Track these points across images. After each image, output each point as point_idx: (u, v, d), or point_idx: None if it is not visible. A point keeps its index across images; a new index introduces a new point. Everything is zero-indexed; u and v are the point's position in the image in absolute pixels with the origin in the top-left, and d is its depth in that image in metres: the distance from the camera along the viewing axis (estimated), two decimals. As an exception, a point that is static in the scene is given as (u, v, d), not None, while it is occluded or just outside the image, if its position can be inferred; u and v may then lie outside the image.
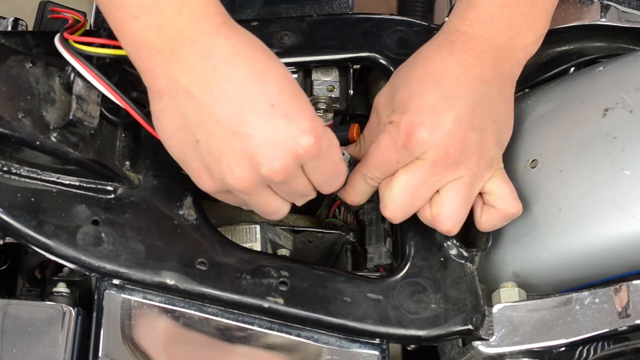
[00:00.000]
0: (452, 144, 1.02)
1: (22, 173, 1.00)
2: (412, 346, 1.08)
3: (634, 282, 1.04)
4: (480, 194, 1.07)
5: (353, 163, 1.09)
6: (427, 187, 1.04)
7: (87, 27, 1.06)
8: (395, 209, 1.05)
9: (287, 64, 1.13)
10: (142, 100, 1.05)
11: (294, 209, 1.23)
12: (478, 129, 1.04)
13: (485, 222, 1.08)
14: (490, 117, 1.05)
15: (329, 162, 0.99)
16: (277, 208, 1.02)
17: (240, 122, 0.94)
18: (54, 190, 1.02)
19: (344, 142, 1.12)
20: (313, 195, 1.03)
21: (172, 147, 0.99)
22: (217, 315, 1.03)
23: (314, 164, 0.98)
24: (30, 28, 1.19)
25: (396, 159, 1.04)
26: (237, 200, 1.02)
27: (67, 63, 1.00)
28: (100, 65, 1.03)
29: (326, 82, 1.16)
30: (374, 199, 1.11)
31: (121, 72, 1.05)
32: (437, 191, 1.05)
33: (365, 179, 1.07)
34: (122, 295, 1.01)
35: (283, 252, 1.11)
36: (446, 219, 1.05)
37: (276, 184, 0.98)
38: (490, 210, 1.07)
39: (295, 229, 1.16)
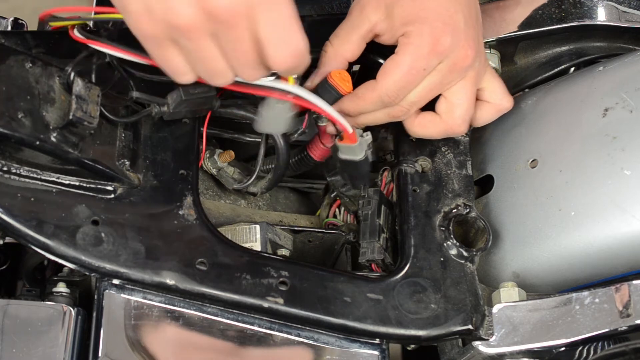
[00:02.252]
0: (468, 44, 1.05)
1: (22, 173, 1.00)
2: (412, 346, 1.08)
3: (634, 282, 1.04)
4: None
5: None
6: (442, 87, 1.07)
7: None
8: (410, 110, 1.08)
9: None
10: (142, 101, 1.06)
11: (294, 209, 1.24)
12: (476, 28, 1.08)
13: (480, 117, 1.12)
14: (477, 16, 1.09)
15: (280, 14, 0.92)
16: (221, 69, 0.95)
17: None
18: (54, 190, 1.02)
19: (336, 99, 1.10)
20: (262, 70, 0.96)
21: None
22: (217, 315, 1.03)
23: (263, 14, 0.91)
24: (30, 28, 1.19)
25: (424, 65, 1.04)
26: (175, 56, 0.95)
27: (67, 63, 1.00)
28: (101, 64, 1.03)
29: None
30: (368, 193, 1.11)
31: (122, 72, 1.05)
32: (442, 95, 1.08)
33: (381, 97, 1.06)
34: (122, 295, 1.01)
35: (283, 252, 1.11)
36: (461, 120, 1.09)
37: (223, 32, 0.91)
38: (484, 105, 1.12)
39: (295, 229, 1.16)
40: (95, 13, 1.13)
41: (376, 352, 1.04)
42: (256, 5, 0.90)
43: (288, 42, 0.93)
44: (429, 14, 1.04)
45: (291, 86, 1.02)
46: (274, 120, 1.06)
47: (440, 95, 1.09)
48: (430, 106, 1.10)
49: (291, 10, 0.93)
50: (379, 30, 1.07)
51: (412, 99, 1.07)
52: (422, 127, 1.11)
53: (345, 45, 1.08)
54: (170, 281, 1.01)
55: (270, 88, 1.01)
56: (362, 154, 1.10)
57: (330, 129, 1.11)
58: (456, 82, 1.07)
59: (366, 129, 1.12)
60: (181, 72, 0.97)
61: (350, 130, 1.07)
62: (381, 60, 1.10)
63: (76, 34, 1.03)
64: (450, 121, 1.09)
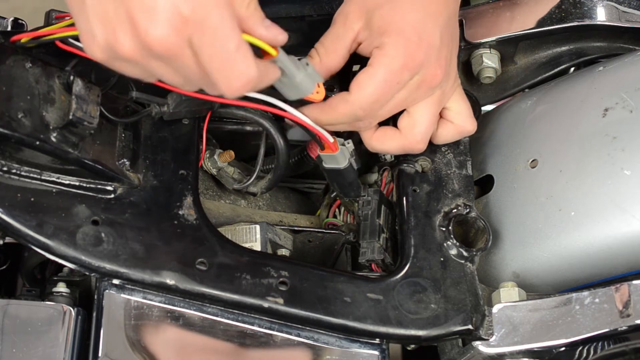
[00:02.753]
0: (439, 63, 1.05)
1: (22, 173, 1.00)
2: (412, 346, 1.08)
3: (634, 281, 1.04)
4: None
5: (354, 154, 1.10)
6: (407, 104, 1.07)
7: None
8: (372, 123, 1.07)
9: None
10: (142, 101, 1.06)
11: (294, 209, 1.24)
12: (450, 47, 1.07)
13: (441, 135, 1.12)
14: (454, 35, 1.09)
15: (217, 43, 0.88)
16: (180, 84, 0.94)
17: None
18: (54, 190, 1.02)
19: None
20: (210, 89, 0.93)
21: (70, 7, 0.92)
22: (217, 315, 1.03)
23: (200, 42, 0.88)
24: (30, 28, 1.19)
25: (397, 79, 1.03)
26: (134, 70, 0.93)
27: (67, 63, 1.00)
28: (101, 64, 1.03)
29: (326, 82, 1.16)
30: (368, 193, 1.11)
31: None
32: (406, 111, 1.08)
33: (355, 112, 1.05)
34: (122, 295, 1.01)
35: (283, 252, 1.11)
36: (421, 137, 1.08)
37: (163, 59, 0.90)
38: (447, 124, 1.11)
39: (295, 229, 1.16)
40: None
41: (376, 352, 1.04)
42: (194, 38, 0.88)
43: (231, 72, 0.90)
44: (406, 27, 1.03)
45: (269, 98, 1.02)
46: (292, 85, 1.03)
47: (403, 110, 1.08)
48: (387, 120, 1.09)
49: (232, 37, 0.89)
50: (360, 39, 1.06)
51: (379, 112, 1.06)
52: (380, 141, 1.10)
53: (331, 56, 1.07)
54: (170, 281, 1.01)
55: (248, 99, 1.02)
56: (345, 162, 1.10)
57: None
58: (422, 99, 1.06)
59: (347, 136, 1.12)
60: (149, 80, 0.96)
61: (330, 139, 1.07)
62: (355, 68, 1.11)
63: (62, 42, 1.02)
64: (410, 137, 1.08)
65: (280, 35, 0.94)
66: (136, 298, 1.02)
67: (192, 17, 0.86)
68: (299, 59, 1.01)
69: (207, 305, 1.02)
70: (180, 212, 1.05)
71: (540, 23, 1.21)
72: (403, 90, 1.05)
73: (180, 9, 0.86)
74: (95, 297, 1.02)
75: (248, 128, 1.18)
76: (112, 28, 0.88)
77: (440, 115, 1.11)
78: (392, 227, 1.13)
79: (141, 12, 0.86)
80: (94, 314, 1.01)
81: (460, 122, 1.11)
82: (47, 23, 1.14)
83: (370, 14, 1.05)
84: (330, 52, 1.07)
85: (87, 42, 0.91)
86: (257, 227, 1.10)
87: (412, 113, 1.07)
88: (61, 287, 1.07)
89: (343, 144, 1.09)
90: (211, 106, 1.07)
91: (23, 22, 1.18)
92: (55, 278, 1.10)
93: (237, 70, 0.90)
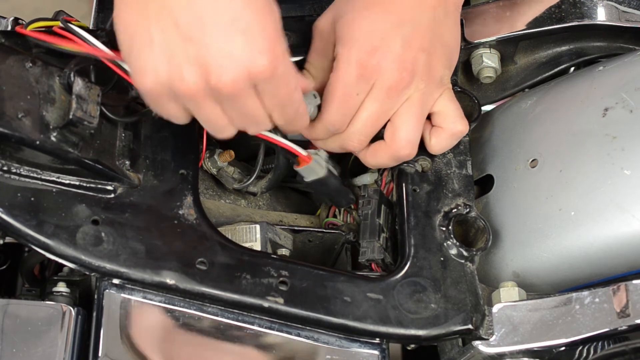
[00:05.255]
0: (403, 66, 1.04)
1: (22, 173, 1.00)
2: (412, 346, 1.08)
3: (634, 281, 1.04)
4: (428, 117, 1.10)
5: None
6: (385, 114, 1.07)
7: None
8: (361, 141, 1.08)
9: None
10: (141, 100, 1.06)
11: (294, 209, 1.24)
12: (427, 51, 1.06)
13: (435, 144, 1.11)
14: (438, 40, 1.08)
15: (283, 88, 0.97)
16: (221, 126, 1.00)
17: (199, 28, 0.92)
18: (54, 189, 1.02)
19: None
20: (266, 125, 1.01)
21: (124, 38, 0.96)
22: (217, 315, 1.03)
23: (267, 87, 0.96)
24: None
25: (355, 90, 1.04)
26: (174, 109, 0.99)
27: (67, 63, 1.00)
28: (101, 64, 1.03)
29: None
30: (368, 193, 1.11)
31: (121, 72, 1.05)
32: (389, 121, 1.08)
33: (326, 127, 1.07)
34: (122, 294, 1.01)
35: (283, 252, 1.11)
36: (405, 142, 1.08)
37: (225, 100, 0.96)
38: (438, 131, 1.11)
39: (295, 228, 1.16)
40: (96, 13, 1.14)
41: (376, 352, 1.04)
42: (260, 82, 0.95)
43: (290, 111, 1.00)
44: (360, 36, 1.04)
45: None
46: None
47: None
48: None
49: (293, 81, 0.98)
50: (335, 51, 1.07)
51: (358, 129, 1.07)
52: (373, 156, 1.10)
53: (321, 74, 1.09)
54: (170, 281, 1.01)
55: None
56: (323, 170, 1.10)
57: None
58: (400, 106, 1.07)
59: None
60: (181, 121, 1.01)
61: (302, 152, 1.08)
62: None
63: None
64: (394, 145, 1.08)
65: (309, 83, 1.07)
66: (136, 298, 1.02)
67: (266, 68, 0.94)
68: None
69: (207, 305, 1.02)
70: (180, 212, 1.05)
71: (540, 23, 1.21)
72: (372, 101, 1.05)
73: (257, 61, 0.93)
74: (95, 297, 1.02)
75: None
76: (178, 65, 0.93)
77: (431, 124, 1.11)
78: (392, 227, 1.13)
79: (217, 57, 0.92)
80: (94, 314, 1.01)
81: (450, 125, 1.10)
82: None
83: (335, 22, 1.07)
84: (320, 70, 1.09)
85: (145, 75, 0.95)
86: (257, 226, 1.10)
87: (393, 120, 1.08)
88: (61, 287, 1.07)
89: (316, 153, 1.10)
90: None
91: (23, 22, 1.18)
92: (55, 278, 1.10)
93: (296, 103, 1.00)
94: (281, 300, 1.02)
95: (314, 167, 1.10)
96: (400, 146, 1.08)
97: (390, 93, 1.05)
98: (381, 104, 1.06)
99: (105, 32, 1.04)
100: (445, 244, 1.09)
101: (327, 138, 1.10)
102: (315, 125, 1.08)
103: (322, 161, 1.10)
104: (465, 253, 1.08)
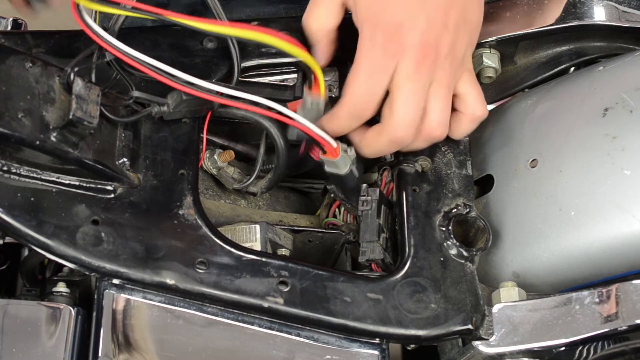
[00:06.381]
0: (428, 43, 1.04)
1: (22, 173, 1.00)
2: (412, 346, 1.08)
3: (634, 281, 1.04)
4: None
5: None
6: (421, 93, 1.05)
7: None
8: (408, 127, 1.05)
9: (287, 64, 1.14)
10: (142, 100, 1.06)
11: (294, 209, 1.24)
12: (450, 29, 1.05)
13: (456, 129, 1.11)
14: (462, 17, 1.07)
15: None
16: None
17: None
18: (54, 190, 1.02)
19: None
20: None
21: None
22: (217, 315, 1.03)
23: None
24: (30, 28, 1.19)
25: (380, 65, 1.03)
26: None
27: (67, 63, 1.00)
28: (101, 64, 1.03)
29: (326, 82, 1.16)
30: (368, 193, 1.11)
31: (121, 72, 1.05)
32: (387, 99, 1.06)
33: (351, 107, 1.06)
34: (122, 295, 1.01)
35: (283, 252, 1.11)
36: (437, 124, 1.07)
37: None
38: (458, 116, 1.10)
39: (295, 229, 1.16)
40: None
41: (376, 352, 1.04)
42: None
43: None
44: (385, 15, 1.04)
45: (272, 103, 1.05)
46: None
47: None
48: None
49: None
50: (348, 6, 1.06)
51: (402, 112, 1.05)
52: (368, 143, 1.09)
53: (323, 17, 1.08)
54: (170, 281, 1.01)
55: (254, 104, 1.05)
56: (345, 169, 1.10)
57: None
58: (429, 87, 1.05)
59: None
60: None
61: (333, 144, 1.07)
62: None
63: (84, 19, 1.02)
64: (426, 127, 1.07)
65: None
66: (136, 298, 1.02)
67: None
68: None
69: (207, 305, 1.02)
70: (180, 212, 1.05)
71: (540, 23, 1.21)
72: (403, 79, 1.04)
73: None
74: (95, 297, 1.02)
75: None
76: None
77: (453, 108, 1.10)
78: (392, 227, 1.13)
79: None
80: (94, 314, 1.01)
81: (471, 109, 1.10)
82: None
83: (355, 7, 1.06)
84: (323, 15, 1.08)
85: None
86: (257, 226, 1.10)
87: (391, 96, 1.06)
88: (61, 287, 1.07)
89: (345, 151, 1.09)
90: (211, 106, 1.08)
91: (23, 22, 1.18)
92: (55, 278, 1.10)
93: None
94: (281, 301, 1.02)
95: (337, 163, 1.10)
96: (432, 128, 1.07)
97: (418, 70, 1.04)
98: (413, 82, 1.04)
99: (107, 31, 1.04)
100: (445, 244, 1.09)
101: (353, 127, 1.07)
102: (337, 112, 1.06)
103: (348, 161, 1.10)
104: (465, 253, 1.08)
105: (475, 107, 1.10)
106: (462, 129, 1.11)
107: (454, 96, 1.09)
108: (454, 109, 1.10)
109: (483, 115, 1.11)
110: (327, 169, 1.10)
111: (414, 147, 1.10)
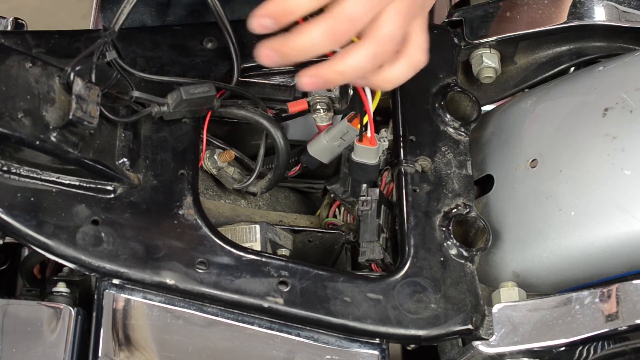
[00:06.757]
0: None
1: (22, 173, 1.00)
2: (412, 346, 1.08)
3: (634, 281, 1.04)
4: None
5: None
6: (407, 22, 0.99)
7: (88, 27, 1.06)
8: (391, 41, 0.98)
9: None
10: (142, 100, 1.06)
11: (294, 209, 1.24)
12: None
13: (390, 73, 1.00)
14: None
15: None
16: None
17: None
18: (54, 190, 1.02)
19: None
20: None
21: None
22: (216, 315, 1.03)
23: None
24: (30, 28, 1.19)
25: None
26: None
27: (67, 63, 1.00)
28: (101, 64, 1.03)
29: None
30: (368, 193, 1.11)
31: (121, 72, 1.05)
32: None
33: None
34: (122, 295, 1.02)
35: (283, 252, 1.12)
36: (388, 39, 0.97)
37: None
38: (397, 57, 1.00)
39: (295, 229, 1.16)
40: (96, 13, 1.13)
41: (376, 352, 1.04)
42: None
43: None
44: None
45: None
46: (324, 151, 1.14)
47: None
48: None
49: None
50: None
51: (386, 31, 0.96)
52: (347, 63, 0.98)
53: None
54: (170, 281, 1.01)
55: None
56: (376, 159, 1.10)
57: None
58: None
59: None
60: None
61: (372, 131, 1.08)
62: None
63: None
64: (375, 37, 0.97)
65: None
66: (136, 298, 1.02)
67: None
68: None
69: (207, 305, 1.02)
70: (180, 212, 1.05)
71: (540, 23, 1.21)
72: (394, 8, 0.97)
73: None
74: (95, 297, 1.02)
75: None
76: None
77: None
78: (392, 227, 1.13)
79: None
80: (94, 314, 1.01)
81: (412, 52, 1.00)
82: None
83: None
84: None
85: None
86: (257, 227, 1.10)
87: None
88: (61, 287, 1.07)
89: (380, 140, 1.11)
90: (211, 106, 1.08)
91: (23, 22, 1.18)
92: (55, 278, 1.10)
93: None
94: (281, 301, 1.02)
95: (371, 152, 1.10)
96: (381, 36, 0.97)
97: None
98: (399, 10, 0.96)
99: (107, 31, 1.04)
100: (445, 244, 1.09)
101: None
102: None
103: (380, 151, 1.11)
104: (465, 253, 1.08)
105: (417, 51, 1.00)
106: (399, 73, 1.00)
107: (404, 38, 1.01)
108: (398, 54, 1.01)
109: (423, 62, 1.01)
110: (356, 157, 1.11)
111: (397, 71, 1.01)
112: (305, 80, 0.98)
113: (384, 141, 1.11)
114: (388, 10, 0.97)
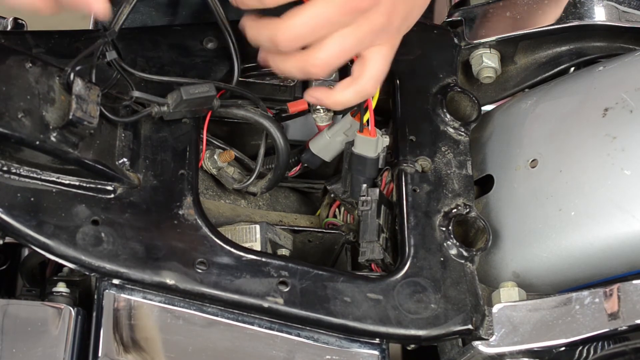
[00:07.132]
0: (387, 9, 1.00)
1: (22, 173, 1.00)
2: (412, 346, 1.08)
3: (634, 281, 1.04)
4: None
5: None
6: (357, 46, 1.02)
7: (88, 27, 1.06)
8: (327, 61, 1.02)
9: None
10: (142, 100, 1.06)
11: (294, 209, 1.24)
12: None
13: (338, 94, 1.05)
14: None
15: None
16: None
17: None
18: (54, 190, 1.02)
19: None
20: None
21: None
22: (216, 315, 1.03)
23: None
24: (30, 28, 1.19)
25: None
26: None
27: (67, 63, 1.00)
28: (101, 64, 1.03)
29: (326, 82, 1.16)
30: (368, 193, 1.11)
31: (121, 72, 1.05)
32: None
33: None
34: (122, 295, 1.01)
35: (283, 252, 1.12)
36: (373, 80, 1.04)
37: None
38: (348, 81, 1.05)
39: (295, 229, 1.16)
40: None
41: (376, 352, 1.04)
42: None
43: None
44: None
45: None
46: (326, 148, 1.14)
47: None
48: None
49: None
50: None
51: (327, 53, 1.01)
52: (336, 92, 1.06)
53: None
54: (170, 281, 1.01)
55: None
56: (375, 153, 1.11)
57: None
58: (373, 44, 1.03)
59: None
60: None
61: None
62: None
63: None
64: (362, 81, 1.05)
65: None
66: (136, 298, 1.02)
67: None
68: None
69: (207, 305, 1.02)
70: (180, 212, 1.05)
71: (540, 23, 1.21)
72: (349, 31, 1.00)
73: None
74: (95, 297, 1.02)
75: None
76: None
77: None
78: (392, 227, 1.13)
79: None
80: (94, 314, 1.01)
81: (364, 79, 1.04)
82: None
83: None
84: None
85: None
86: (257, 227, 1.10)
87: (365, 56, 1.03)
88: (61, 287, 1.07)
89: (381, 135, 1.11)
90: (211, 106, 1.08)
91: (23, 22, 1.18)
92: (55, 278, 1.10)
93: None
94: (281, 301, 1.02)
95: (371, 143, 1.11)
96: (366, 82, 1.05)
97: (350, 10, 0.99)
98: (357, 35, 1.00)
99: (107, 31, 1.04)
100: (445, 244, 1.09)
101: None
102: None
103: (380, 145, 1.11)
104: (465, 253, 1.08)
105: (369, 81, 1.05)
106: (345, 96, 1.06)
107: (359, 58, 1.05)
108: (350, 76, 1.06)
109: (371, 93, 1.06)
110: (357, 149, 1.11)
111: (345, 97, 1.06)
112: None
113: (385, 137, 1.11)
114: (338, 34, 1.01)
